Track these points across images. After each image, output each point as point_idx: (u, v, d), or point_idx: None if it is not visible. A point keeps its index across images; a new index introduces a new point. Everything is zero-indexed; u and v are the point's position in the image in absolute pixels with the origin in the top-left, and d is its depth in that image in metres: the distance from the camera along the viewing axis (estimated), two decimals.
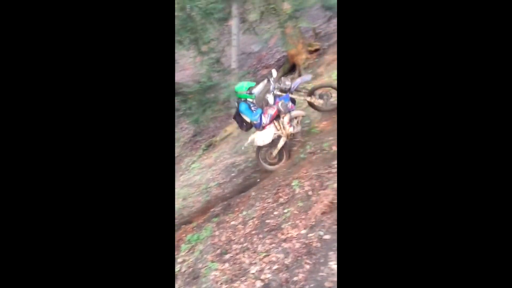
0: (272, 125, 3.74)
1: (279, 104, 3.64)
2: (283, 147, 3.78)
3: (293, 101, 3.77)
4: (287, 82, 3.76)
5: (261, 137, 3.73)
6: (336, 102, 3.68)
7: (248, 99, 3.72)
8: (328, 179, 2.54)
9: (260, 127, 3.75)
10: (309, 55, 6.02)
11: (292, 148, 3.91)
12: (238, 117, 3.81)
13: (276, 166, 3.84)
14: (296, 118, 3.75)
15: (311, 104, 3.79)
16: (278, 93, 3.75)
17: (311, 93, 3.78)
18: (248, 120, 3.74)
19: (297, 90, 3.77)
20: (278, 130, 3.72)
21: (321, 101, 3.71)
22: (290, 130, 3.66)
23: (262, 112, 3.71)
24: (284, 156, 3.79)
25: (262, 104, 3.78)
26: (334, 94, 3.68)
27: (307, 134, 3.90)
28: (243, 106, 3.69)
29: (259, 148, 3.88)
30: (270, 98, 3.66)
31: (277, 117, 3.72)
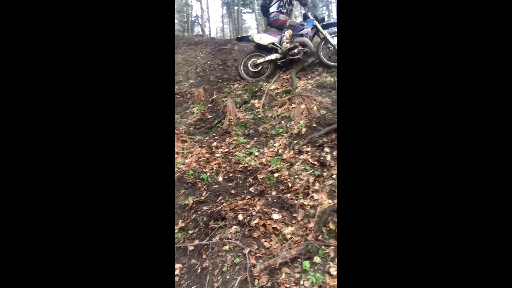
0: (275, 36, 3.89)
1: (295, 19, 3.98)
2: (270, 61, 3.87)
3: (315, 31, 3.87)
4: (324, 14, 4.12)
5: (261, 36, 3.97)
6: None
7: None
8: None
9: (269, 16, 3.92)
10: None
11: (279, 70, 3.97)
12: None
13: (252, 78, 3.92)
14: (303, 46, 3.76)
15: (322, 38, 3.83)
16: (309, 15, 3.93)
17: (334, 32, 3.84)
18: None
19: (324, 26, 3.84)
20: (277, 46, 3.83)
21: (333, 41, 3.75)
22: (284, 44, 3.73)
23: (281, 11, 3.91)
24: (267, 72, 3.89)
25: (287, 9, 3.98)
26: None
27: None
28: None
29: (249, 54, 4.02)
30: (295, 12, 4.01)
31: (283, 28, 3.84)
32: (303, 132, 2.90)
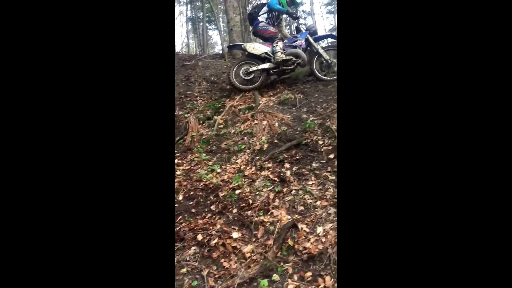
0: (268, 46, 3.93)
1: (287, 31, 4.08)
2: (263, 70, 3.88)
3: (307, 43, 3.93)
4: (316, 27, 4.06)
5: (254, 45, 4.00)
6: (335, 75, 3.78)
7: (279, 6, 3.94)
8: None
9: (257, 25, 3.97)
10: None
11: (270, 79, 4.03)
12: (258, 8, 4.03)
13: (245, 86, 3.88)
14: (296, 57, 3.81)
15: (315, 52, 3.90)
16: (302, 28, 4.04)
17: (327, 46, 3.97)
18: (272, 12, 3.95)
19: (316, 39, 3.95)
20: (270, 56, 3.87)
21: (326, 56, 3.85)
22: (279, 55, 3.78)
23: (275, 23, 4.00)
24: (259, 81, 3.88)
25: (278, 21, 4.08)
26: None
27: None
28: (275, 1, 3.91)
29: (240, 62, 3.99)
30: (285, 25, 4.04)
31: (274, 40, 3.90)
32: (265, 148, 2.94)
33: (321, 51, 3.89)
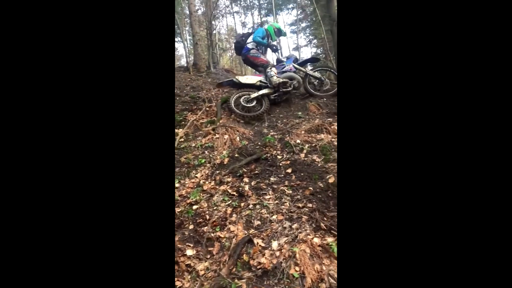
0: (259, 76, 4.14)
1: (276, 56, 4.43)
2: (263, 95, 3.99)
3: (295, 69, 4.23)
4: (296, 53, 4.53)
5: (247, 77, 4.15)
6: (327, 87, 4.16)
7: (261, 41, 4.17)
8: None
9: (248, 51, 4.19)
10: None
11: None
12: (246, 36, 4.28)
13: (249, 113, 3.87)
14: (291, 80, 4.11)
15: (306, 75, 4.20)
16: (282, 59, 4.37)
17: (314, 68, 4.29)
18: (252, 40, 4.20)
19: (299, 64, 4.29)
20: (264, 82, 4.05)
21: (317, 74, 4.19)
22: (275, 79, 3.99)
23: (263, 49, 4.29)
24: (264, 105, 3.91)
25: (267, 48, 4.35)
26: (331, 79, 4.27)
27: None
28: (260, 32, 4.17)
29: (237, 93, 4.01)
30: (275, 52, 4.34)
31: (266, 67, 4.11)
32: (225, 162, 2.94)
33: (310, 72, 4.22)
